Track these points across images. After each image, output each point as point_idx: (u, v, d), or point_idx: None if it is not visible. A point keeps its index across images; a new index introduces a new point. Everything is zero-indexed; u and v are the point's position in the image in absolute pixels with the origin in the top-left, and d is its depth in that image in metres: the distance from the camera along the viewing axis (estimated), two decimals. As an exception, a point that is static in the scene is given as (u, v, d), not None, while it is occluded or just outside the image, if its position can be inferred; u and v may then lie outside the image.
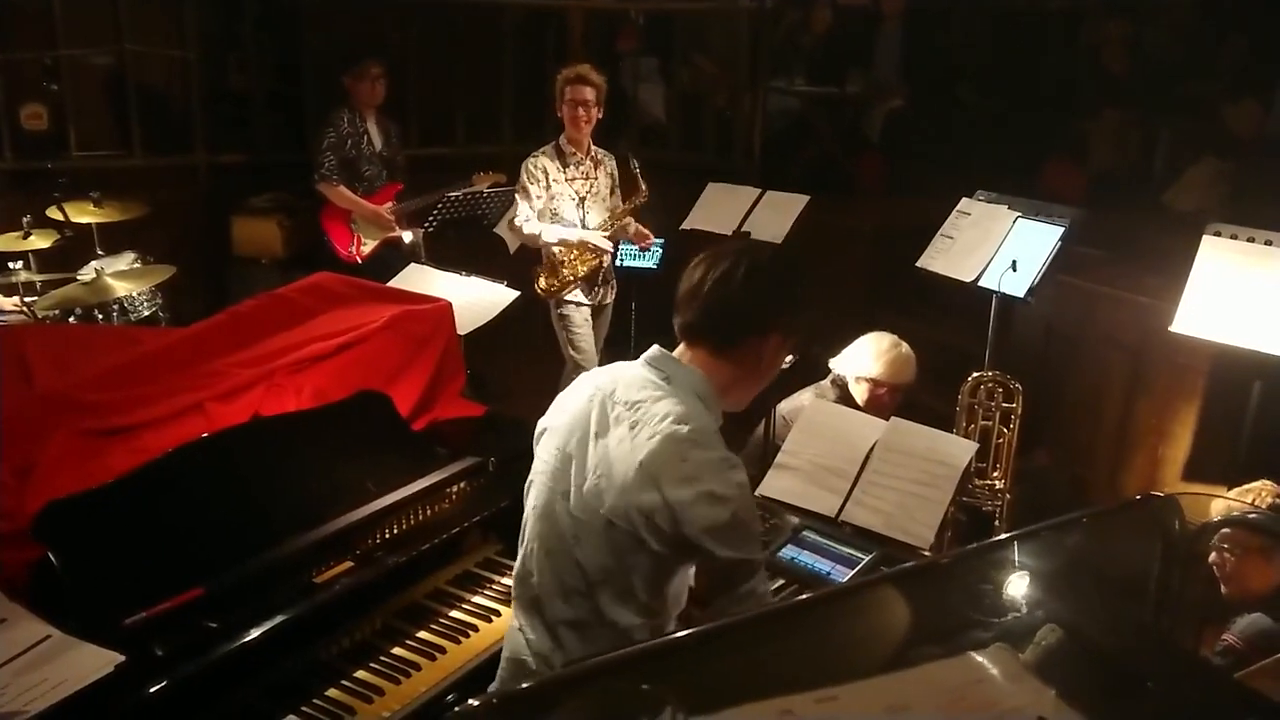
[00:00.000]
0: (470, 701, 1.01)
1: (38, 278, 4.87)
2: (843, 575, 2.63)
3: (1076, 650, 1.26)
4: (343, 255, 5.55)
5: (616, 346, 5.02)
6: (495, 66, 7.28)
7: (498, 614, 2.58)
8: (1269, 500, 2.92)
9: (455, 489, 2.75)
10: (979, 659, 1.14)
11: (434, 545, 2.57)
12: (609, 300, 5.04)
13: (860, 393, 3.88)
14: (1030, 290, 3.80)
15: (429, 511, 2.66)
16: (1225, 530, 2.82)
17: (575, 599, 1.99)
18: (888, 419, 3.12)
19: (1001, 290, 3.83)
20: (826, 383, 4.01)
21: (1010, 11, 7.43)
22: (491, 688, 2.20)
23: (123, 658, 1.95)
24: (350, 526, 2.46)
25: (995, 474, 3.84)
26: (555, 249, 4.82)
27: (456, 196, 5.30)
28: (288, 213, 6.28)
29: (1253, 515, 2.85)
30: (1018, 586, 1.36)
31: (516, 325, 4.24)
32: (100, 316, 4.61)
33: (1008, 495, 3.82)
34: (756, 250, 2.05)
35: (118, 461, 2.36)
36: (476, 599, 2.65)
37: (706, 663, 1.13)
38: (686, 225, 5.13)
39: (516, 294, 4.02)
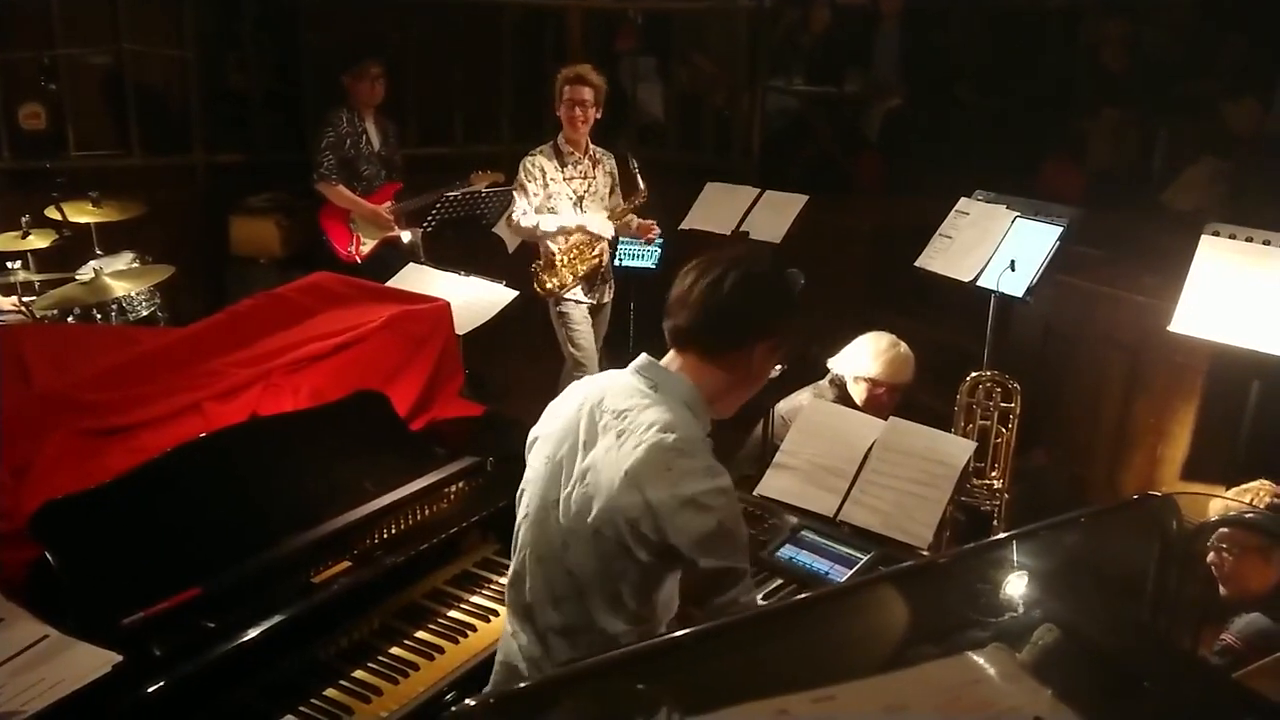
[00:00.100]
0: (467, 701, 1.01)
1: (36, 277, 4.86)
2: (841, 575, 2.63)
3: (1074, 650, 1.26)
4: (341, 255, 5.54)
5: (615, 346, 5.02)
6: (494, 66, 7.27)
7: (496, 614, 2.58)
8: (1267, 500, 2.92)
9: (453, 489, 2.75)
10: (976, 659, 1.14)
11: (432, 545, 2.57)
12: (608, 299, 5.04)
13: (859, 392, 3.88)
14: (1029, 290, 3.80)
15: (427, 511, 2.66)
16: (1223, 530, 2.82)
17: (565, 606, 2.00)
18: (886, 419, 3.12)
19: (1000, 290, 3.83)
20: (825, 382, 4.01)
21: (1009, 11, 7.42)
22: (485, 691, 2.20)
23: (120, 657, 1.96)
24: (348, 526, 2.46)
25: (994, 474, 3.84)
26: (554, 249, 4.81)
27: (455, 196, 5.29)
28: (286, 212, 6.27)
29: (1251, 515, 2.85)
30: (1015, 586, 1.36)
31: (515, 325, 4.24)
32: (99, 316, 4.61)
33: (1006, 495, 3.82)
34: (748, 258, 2.05)
35: (116, 461, 2.36)
36: (475, 599, 2.65)
37: (703, 662, 1.13)
38: (685, 225, 5.13)
39: (515, 294, 4.02)
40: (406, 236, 5.58)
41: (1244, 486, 3.01)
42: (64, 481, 2.25)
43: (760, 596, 2.45)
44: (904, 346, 3.89)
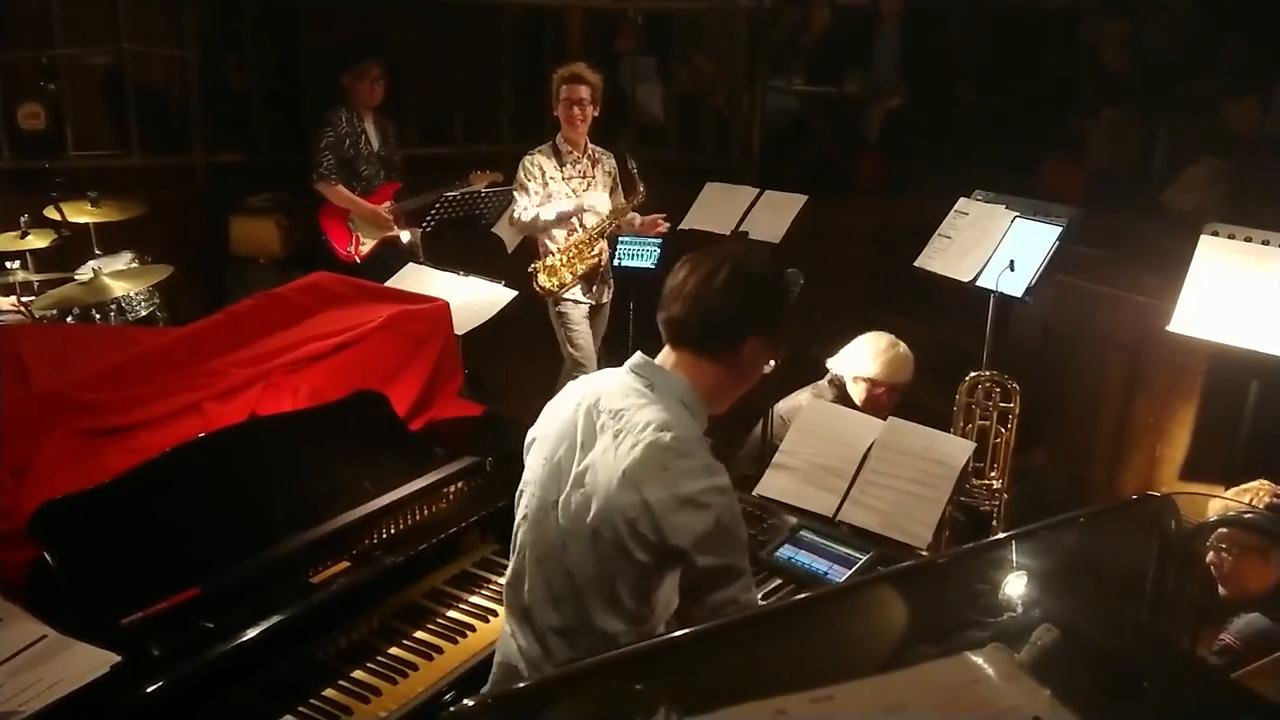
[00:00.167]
0: (466, 701, 1.01)
1: (35, 277, 4.86)
2: (840, 575, 2.63)
3: (1073, 650, 1.26)
4: (341, 255, 5.54)
5: (614, 346, 5.01)
6: (494, 66, 7.27)
7: (495, 614, 2.58)
8: (1266, 500, 2.92)
9: (453, 489, 2.75)
10: (975, 659, 1.14)
11: (431, 545, 2.57)
12: (607, 299, 5.04)
13: (858, 392, 3.88)
14: (1028, 290, 3.80)
15: (426, 511, 2.66)
16: (1222, 530, 2.82)
17: (564, 606, 2.00)
18: (885, 419, 3.12)
19: (999, 290, 3.83)
20: (824, 382, 4.01)
21: (1009, 11, 7.42)
22: (483, 690, 2.20)
23: (119, 658, 1.95)
24: (347, 526, 2.46)
25: (993, 474, 3.84)
26: (553, 248, 4.81)
27: (454, 196, 5.29)
28: (286, 212, 6.27)
29: (1250, 515, 2.85)
30: (1014, 586, 1.36)
31: (514, 325, 4.24)
32: (98, 316, 4.61)
33: (1005, 495, 3.82)
34: (741, 253, 2.05)
35: (115, 461, 2.36)
36: (474, 599, 2.65)
37: (701, 663, 1.13)
38: (685, 225, 5.13)
39: (514, 294, 4.01)
40: (406, 236, 5.58)
41: (1243, 486, 3.01)
42: (63, 481, 2.25)
43: (759, 596, 2.45)
44: (903, 346, 3.89)
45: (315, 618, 2.27)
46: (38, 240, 4.92)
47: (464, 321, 3.68)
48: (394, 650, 2.43)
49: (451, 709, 0.99)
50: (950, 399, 3.94)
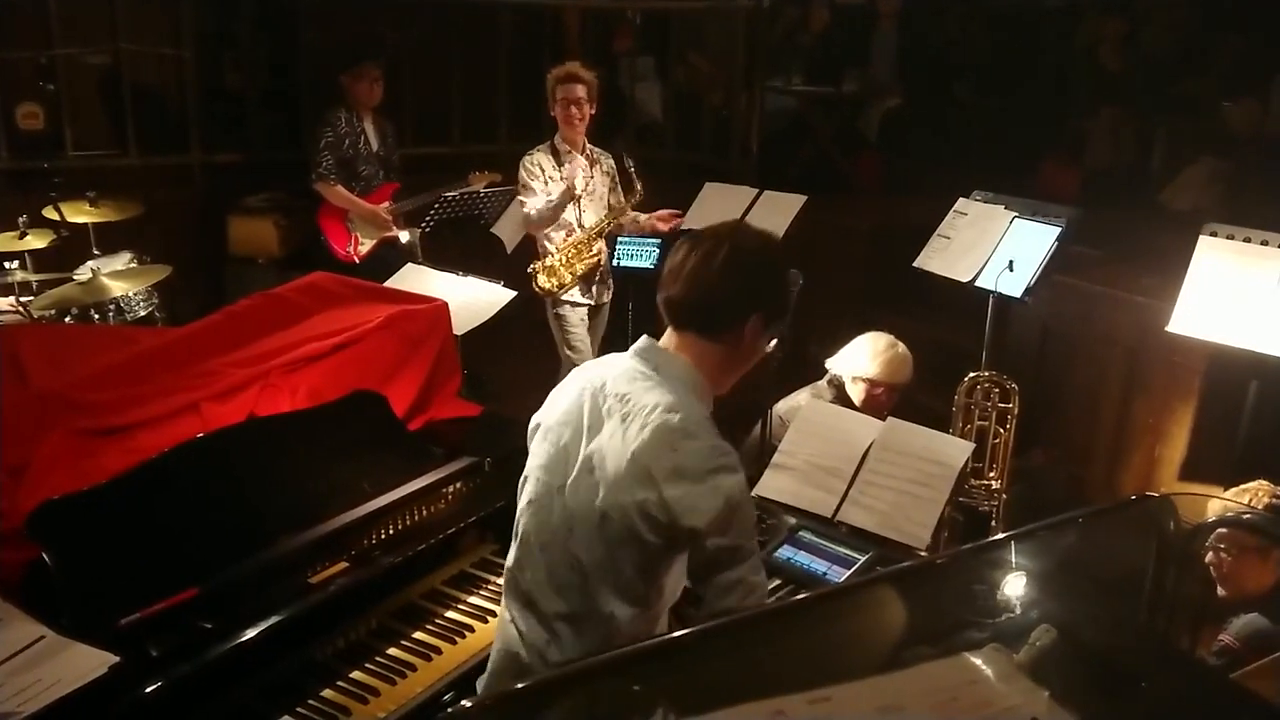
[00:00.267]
0: (464, 702, 1.01)
1: (34, 278, 4.85)
2: (839, 575, 2.63)
3: (1071, 651, 1.26)
4: (340, 255, 5.53)
5: (614, 347, 4.94)
6: (492, 66, 7.26)
7: (493, 614, 2.58)
8: (1265, 500, 2.92)
9: (451, 489, 2.75)
10: (973, 660, 1.14)
11: (430, 545, 2.57)
12: (606, 300, 5.04)
13: (857, 393, 3.88)
14: (1027, 290, 3.80)
15: (425, 512, 2.65)
16: (1221, 530, 2.82)
17: (569, 592, 2.00)
18: (884, 419, 3.12)
19: (998, 290, 3.83)
20: (823, 383, 4.00)
21: (1007, 10, 7.43)
22: (482, 679, 2.20)
23: (117, 658, 1.95)
24: (346, 527, 2.46)
25: (992, 474, 3.84)
26: (552, 248, 4.81)
27: (453, 196, 5.29)
28: (284, 212, 6.26)
29: (1249, 515, 2.85)
30: (1013, 587, 1.36)
31: (513, 325, 4.24)
32: (96, 316, 4.60)
33: (1004, 495, 3.82)
34: (738, 233, 2.05)
35: (113, 461, 2.36)
36: (472, 599, 2.64)
37: (699, 663, 1.13)
38: (684, 225, 5.12)
39: (513, 294, 4.01)
40: (404, 236, 5.57)
41: (1242, 487, 3.01)
42: (61, 481, 2.25)
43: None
44: (902, 347, 3.89)
45: (314, 618, 2.27)
46: (36, 240, 4.91)
47: (463, 322, 3.68)
48: (392, 651, 2.42)
49: (450, 709, 0.99)
50: (949, 399, 3.94)
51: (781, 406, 3.93)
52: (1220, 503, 3.00)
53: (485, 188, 5.50)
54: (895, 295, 5.55)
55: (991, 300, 3.92)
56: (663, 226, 4.99)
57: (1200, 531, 2.71)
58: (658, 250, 5.01)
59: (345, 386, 2.79)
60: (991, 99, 7.01)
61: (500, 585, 2.64)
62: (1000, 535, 1.42)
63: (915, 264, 4.17)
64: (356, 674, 2.34)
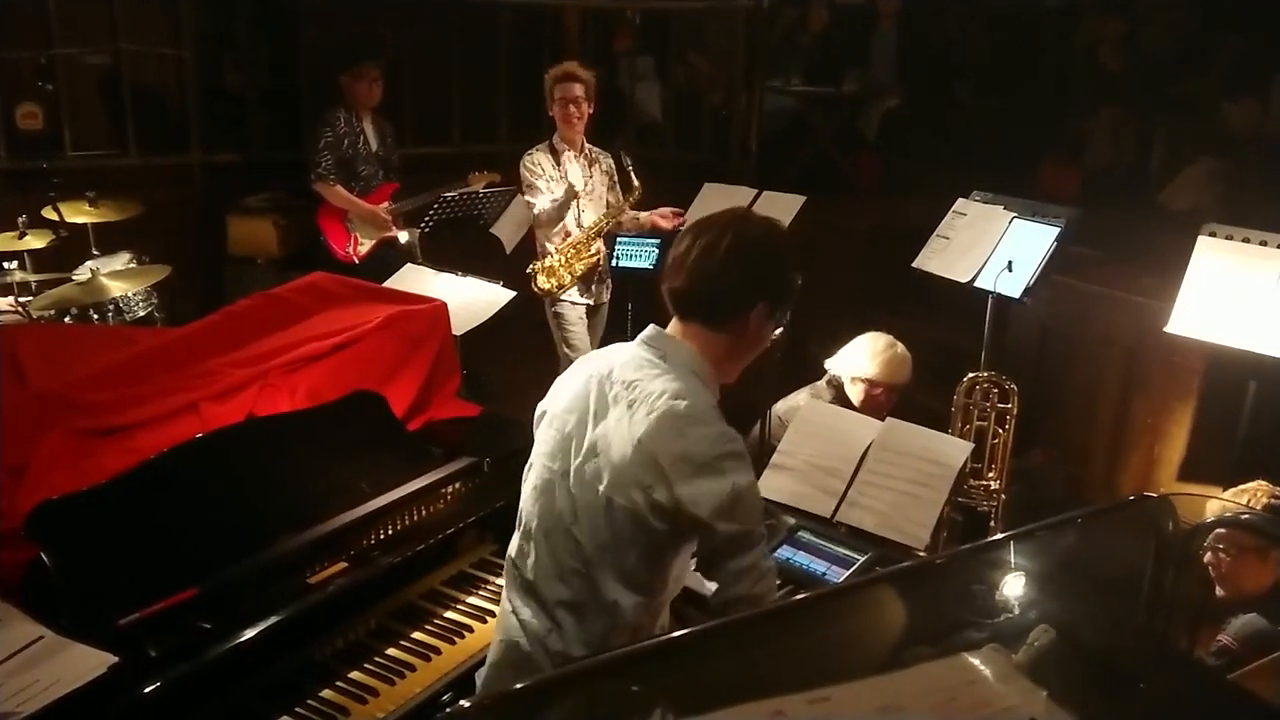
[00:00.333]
0: (462, 702, 1.01)
1: (33, 278, 4.85)
2: (838, 576, 2.63)
3: (1070, 651, 1.26)
4: (339, 255, 5.53)
5: (612, 346, 5.00)
6: (491, 66, 7.26)
7: (492, 615, 2.58)
8: (1264, 501, 2.92)
9: (450, 489, 2.74)
10: (972, 660, 1.14)
11: (429, 546, 2.57)
12: (605, 299, 5.04)
13: (856, 393, 3.88)
14: (1026, 290, 3.80)
15: (424, 512, 2.65)
16: (1220, 531, 2.82)
17: (572, 579, 2.00)
18: (883, 419, 3.12)
19: (997, 290, 3.83)
20: (822, 383, 4.01)
21: (1007, 10, 7.43)
22: (482, 671, 2.21)
23: (116, 658, 1.95)
24: (345, 527, 2.46)
25: (991, 474, 3.84)
26: (550, 248, 4.81)
27: (452, 196, 5.28)
28: (283, 212, 6.25)
29: (1247, 516, 2.85)
30: (1011, 587, 1.36)
31: (512, 325, 4.24)
32: (95, 317, 4.60)
33: (1003, 495, 3.82)
34: (742, 222, 2.05)
35: (111, 461, 2.36)
36: (471, 600, 2.65)
37: (698, 663, 1.13)
38: (683, 225, 5.13)
39: (512, 294, 4.01)
40: (404, 237, 5.57)
41: (1241, 487, 3.01)
42: (60, 482, 2.25)
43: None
44: (901, 347, 3.89)
45: (313, 618, 2.27)
46: (35, 240, 4.91)
47: (462, 322, 3.68)
48: (391, 651, 2.43)
49: (448, 709, 0.99)
50: (948, 399, 3.93)
51: (780, 407, 3.93)
52: (1219, 503, 3.00)
53: (484, 188, 5.50)
54: (894, 295, 5.55)
55: (990, 300, 3.92)
56: (664, 224, 4.98)
57: (1199, 532, 2.71)
58: (657, 250, 5.02)
59: (344, 387, 2.79)
60: (991, 99, 7.01)
61: (499, 586, 2.65)
62: (999, 535, 1.42)
63: (914, 264, 4.17)
64: (355, 674, 2.34)
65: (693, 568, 2.08)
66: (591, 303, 4.95)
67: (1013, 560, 1.37)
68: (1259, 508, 2.89)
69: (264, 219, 6.25)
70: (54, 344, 2.93)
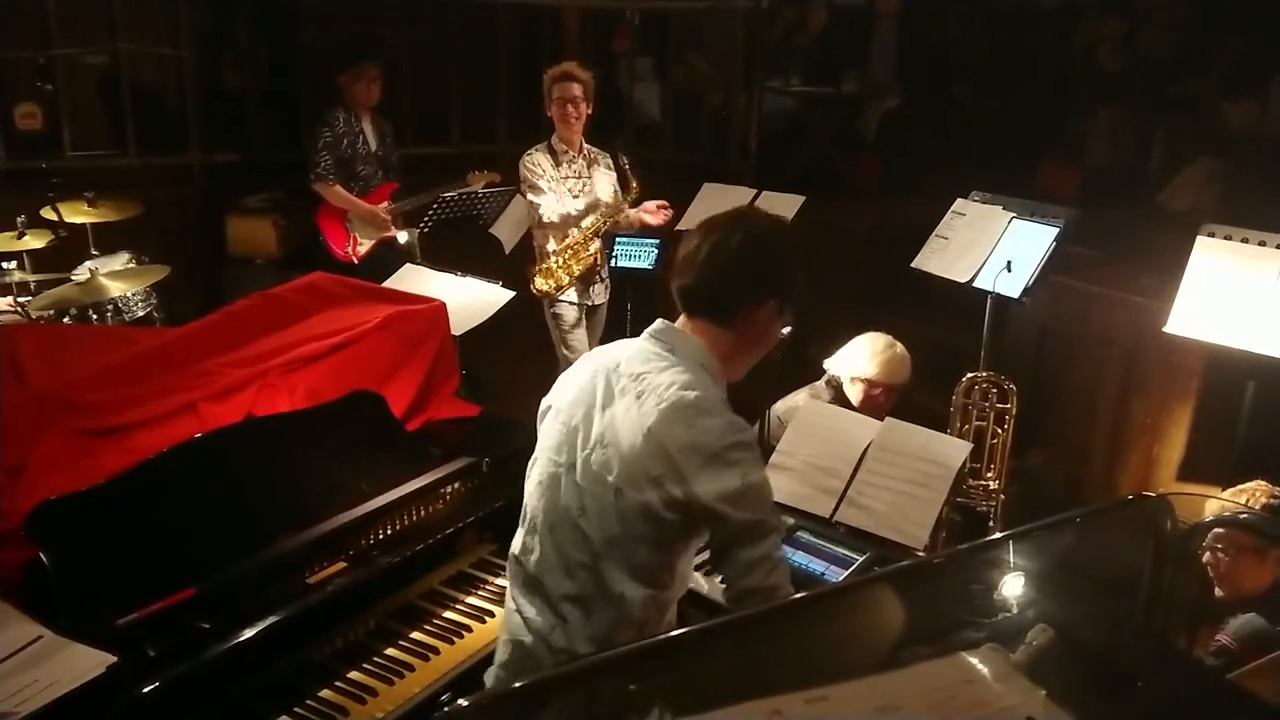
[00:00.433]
0: (460, 701, 1.01)
1: (32, 278, 4.85)
2: (837, 576, 2.63)
3: (1068, 651, 1.26)
4: (338, 255, 5.53)
5: (612, 347, 5.00)
6: (491, 66, 7.26)
7: (491, 615, 2.58)
8: (1263, 500, 2.92)
9: (449, 489, 2.74)
10: (970, 659, 1.14)
11: (428, 546, 2.57)
12: (603, 300, 5.04)
13: (855, 393, 3.88)
14: (1025, 291, 3.80)
15: (423, 512, 2.65)
16: (1219, 530, 2.82)
17: (579, 572, 2.00)
18: (882, 419, 3.12)
19: (996, 291, 3.83)
20: (821, 383, 4.00)
21: (1006, 10, 7.43)
22: (490, 670, 2.21)
23: (115, 658, 1.95)
24: (344, 527, 2.46)
25: (990, 474, 3.84)
26: (549, 249, 4.81)
27: (452, 196, 5.29)
28: (283, 212, 6.25)
29: (1246, 515, 2.85)
30: (1010, 586, 1.36)
31: (512, 326, 4.24)
32: (95, 317, 4.60)
33: (1002, 495, 3.82)
34: (752, 219, 2.07)
35: (110, 461, 2.36)
36: (470, 600, 2.65)
37: (696, 662, 1.13)
38: (682, 225, 5.12)
39: (511, 294, 4.01)
40: (403, 237, 5.57)
41: (1240, 487, 3.01)
42: (58, 482, 2.25)
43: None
44: (900, 347, 3.89)
45: (312, 618, 2.27)
46: (34, 241, 4.91)
47: (461, 322, 3.68)
48: (390, 651, 2.43)
49: (446, 709, 0.99)
50: (947, 399, 3.94)
51: (779, 407, 3.93)
52: (1218, 503, 3.00)
53: (484, 188, 5.50)
54: (893, 295, 5.55)
55: (989, 301, 3.93)
56: (651, 220, 4.93)
57: (1197, 531, 2.71)
58: (656, 250, 5.01)
59: (343, 387, 2.79)
60: (991, 99, 7.01)
61: (499, 586, 2.65)
62: (997, 535, 1.43)
63: (913, 264, 4.17)
64: (354, 674, 2.34)
65: (699, 565, 2.08)
66: (590, 303, 4.95)
67: (1011, 560, 1.37)
68: (1258, 507, 2.89)
69: (263, 219, 6.25)
70: (53, 344, 2.93)
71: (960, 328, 4.46)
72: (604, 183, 4.96)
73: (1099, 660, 1.30)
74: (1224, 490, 3.14)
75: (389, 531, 2.56)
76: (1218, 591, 2.86)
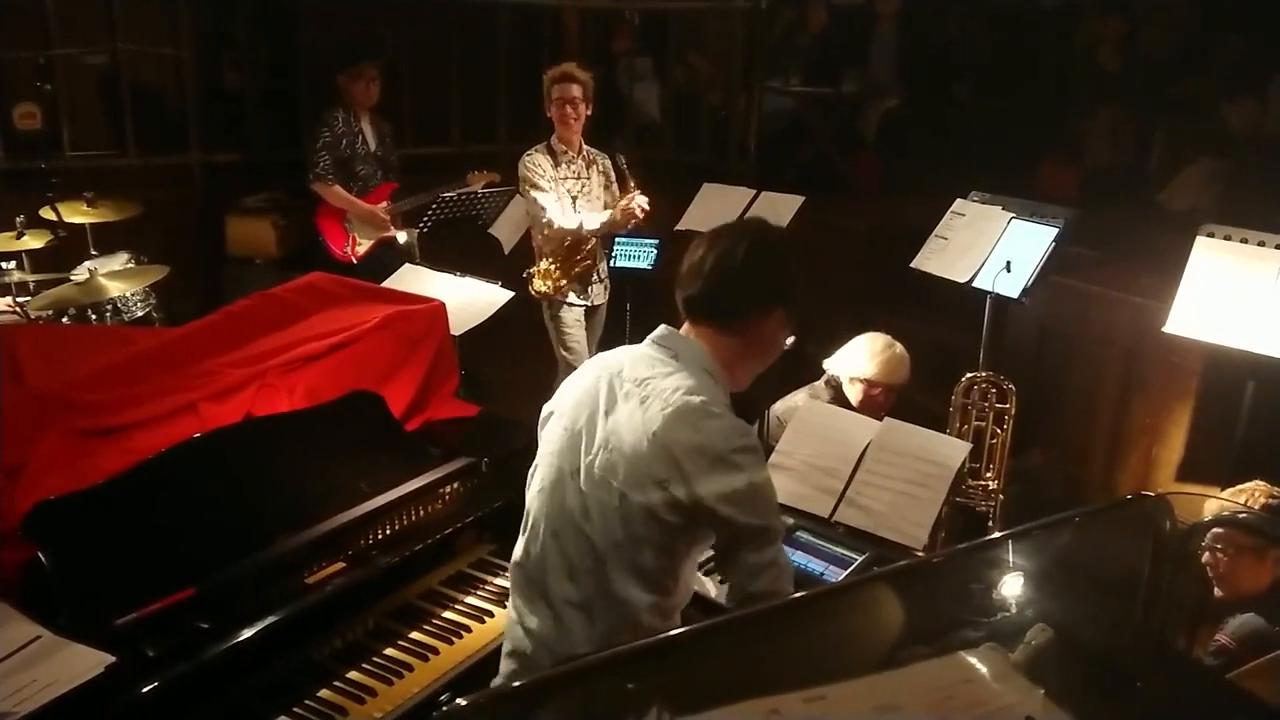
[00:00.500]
0: (459, 701, 1.01)
1: (31, 278, 4.85)
2: (836, 576, 2.63)
3: (1067, 650, 1.26)
4: (337, 255, 5.53)
5: (611, 347, 4.98)
6: (490, 66, 7.26)
7: (490, 615, 2.58)
8: (1262, 500, 2.92)
9: (448, 489, 2.74)
10: (969, 659, 1.14)
11: (427, 546, 2.57)
12: (602, 301, 5.04)
13: (854, 393, 3.88)
14: (1025, 291, 3.80)
15: (422, 512, 2.65)
16: (1218, 530, 2.82)
17: (583, 577, 2.00)
18: (882, 419, 3.12)
19: (996, 291, 3.83)
20: (820, 383, 4.00)
21: (1006, 10, 7.43)
22: (496, 681, 2.20)
23: (114, 658, 1.95)
24: (343, 527, 2.46)
25: (989, 474, 3.84)
26: (547, 251, 4.80)
27: (451, 196, 5.29)
28: (282, 212, 6.26)
29: (1245, 515, 2.85)
30: (1009, 586, 1.36)
31: (511, 326, 4.24)
32: (94, 317, 4.60)
33: (1001, 495, 3.82)
34: (758, 228, 2.08)
35: (109, 461, 2.36)
36: (469, 600, 2.65)
37: (695, 662, 1.13)
38: (682, 225, 5.13)
39: (510, 294, 4.01)
40: (402, 237, 5.57)
41: (1239, 487, 3.01)
42: (57, 482, 2.25)
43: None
44: (899, 347, 3.89)
45: (311, 618, 2.27)
46: (34, 241, 4.91)
47: (460, 322, 3.68)
48: (389, 651, 2.43)
49: (445, 709, 0.99)
50: (946, 400, 3.94)
51: (779, 407, 3.92)
52: (1217, 502, 3.00)
53: (483, 188, 5.50)
54: (893, 296, 5.55)
55: (989, 301, 3.93)
56: (637, 211, 4.66)
57: (1196, 531, 2.72)
58: (655, 250, 5.01)
59: (343, 387, 2.79)
60: (991, 99, 7.01)
61: (498, 586, 2.65)
62: (996, 535, 1.42)
63: (913, 264, 4.17)
64: (353, 674, 2.34)
65: (700, 564, 2.08)
66: (589, 304, 4.95)
67: (1010, 559, 1.37)
68: (1257, 507, 2.89)
69: (263, 219, 6.25)
70: (52, 344, 2.93)
71: (960, 328, 4.46)
72: (600, 186, 4.92)
73: (1098, 660, 1.30)
74: (1223, 490, 3.14)
75: (388, 531, 2.56)
76: (1217, 591, 2.86)
